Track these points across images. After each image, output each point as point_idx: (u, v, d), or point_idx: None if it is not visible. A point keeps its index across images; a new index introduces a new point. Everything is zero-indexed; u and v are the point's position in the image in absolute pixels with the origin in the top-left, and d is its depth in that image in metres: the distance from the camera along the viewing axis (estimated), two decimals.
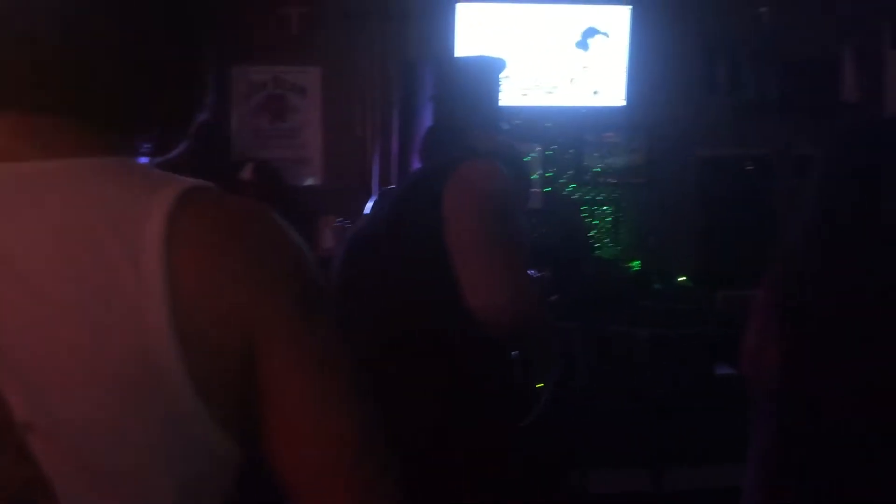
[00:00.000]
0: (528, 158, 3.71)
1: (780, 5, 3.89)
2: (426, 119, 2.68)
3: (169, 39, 0.76)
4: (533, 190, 3.72)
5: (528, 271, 1.70)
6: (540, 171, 3.90)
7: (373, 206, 1.87)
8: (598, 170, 3.98)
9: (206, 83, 0.80)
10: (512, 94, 3.66)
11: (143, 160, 0.80)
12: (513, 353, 1.76)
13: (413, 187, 1.74)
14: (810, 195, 1.55)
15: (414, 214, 1.66)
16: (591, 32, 3.83)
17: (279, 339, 0.70)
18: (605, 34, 3.82)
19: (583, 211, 4.00)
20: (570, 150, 3.97)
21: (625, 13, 3.81)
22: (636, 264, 3.91)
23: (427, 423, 1.59)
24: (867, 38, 4.00)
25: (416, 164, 2.03)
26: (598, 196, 4.01)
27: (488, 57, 2.83)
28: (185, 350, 0.65)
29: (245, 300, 0.69)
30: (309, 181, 3.86)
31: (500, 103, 2.19)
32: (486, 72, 2.32)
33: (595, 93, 3.87)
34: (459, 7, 3.73)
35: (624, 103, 3.87)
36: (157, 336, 0.65)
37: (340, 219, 3.23)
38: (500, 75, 2.28)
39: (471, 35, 3.70)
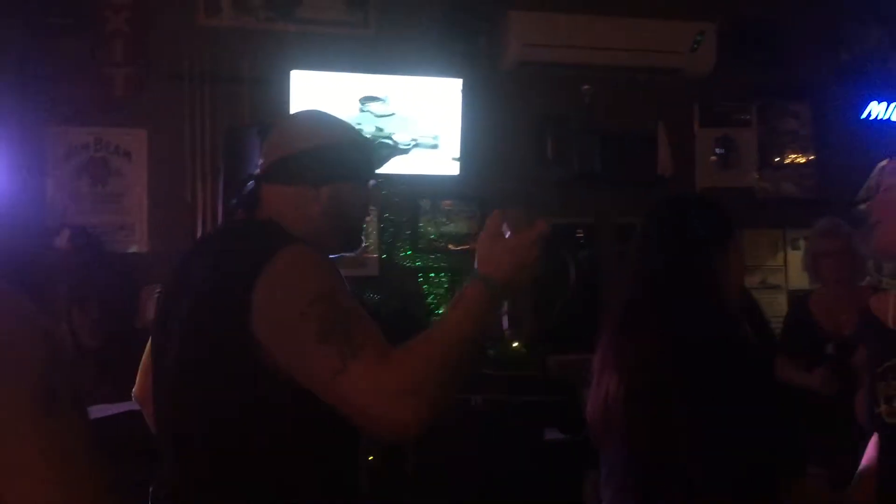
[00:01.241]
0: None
1: (602, 84, 4.13)
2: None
3: None
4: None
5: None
6: (375, 239, 3.90)
7: (181, 267, 1.53)
8: (434, 237, 4.03)
9: None
10: None
11: None
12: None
13: (217, 276, 1.41)
14: (632, 258, 1.68)
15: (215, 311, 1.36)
16: (424, 103, 3.91)
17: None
18: (441, 103, 3.91)
19: (419, 277, 4.02)
20: (405, 218, 4.00)
21: (457, 86, 3.93)
22: None
23: None
24: (680, 116, 4.32)
25: None
26: (434, 263, 4.05)
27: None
28: None
29: None
30: (132, 248, 3.66)
31: None
32: None
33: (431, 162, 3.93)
34: (294, 74, 3.71)
35: (458, 173, 3.96)
36: None
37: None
38: None
39: (305, 103, 3.69)
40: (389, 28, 3.95)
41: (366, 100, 3.84)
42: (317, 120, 1.62)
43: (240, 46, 3.74)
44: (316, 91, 3.72)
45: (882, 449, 1.66)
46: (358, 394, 1.22)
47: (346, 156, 1.55)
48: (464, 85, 3.93)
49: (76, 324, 3.25)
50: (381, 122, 3.85)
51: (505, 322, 1.58)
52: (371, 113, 3.85)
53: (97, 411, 2.65)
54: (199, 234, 3.55)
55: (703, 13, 4.16)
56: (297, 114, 1.67)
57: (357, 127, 1.76)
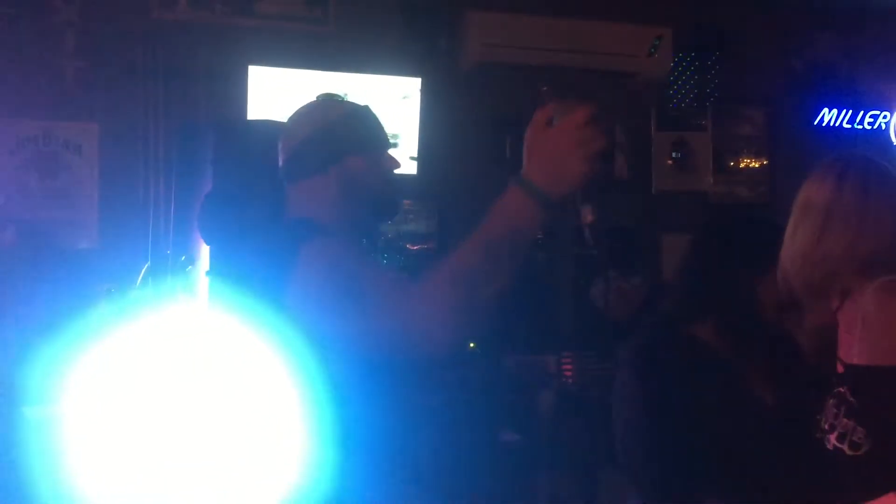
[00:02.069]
0: None
1: (560, 86, 4.14)
2: (206, 184, 2.57)
3: None
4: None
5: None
6: None
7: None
8: (392, 236, 4.01)
9: None
10: None
11: None
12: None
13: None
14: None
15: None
16: (383, 101, 3.88)
17: None
18: (400, 101, 3.89)
19: None
20: None
21: (416, 85, 3.91)
22: None
23: None
24: (637, 120, 4.35)
25: (198, 233, 1.91)
26: (392, 262, 4.02)
27: (275, 122, 2.78)
28: None
29: None
30: (83, 245, 3.58)
31: None
32: (271, 137, 2.24)
33: None
34: (252, 70, 3.66)
35: (415, 172, 3.94)
36: None
37: (113, 285, 3.01)
38: None
39: (264, 99, 3.64)
40: (349, 25, 3.91)
41: (324, 97, 3.79)
42: (311, 107, 1.62)
43: (196, 41, 3.68)
44: (274, 87, 3.67)
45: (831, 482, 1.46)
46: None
47: (344, 132, 1.54)
48: (423, 84, 3.92)
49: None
50: None
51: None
52: None
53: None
54: (150, 230, 3.49)
55: (660, 18, 4.20)
56: (298, 108, 1.65)
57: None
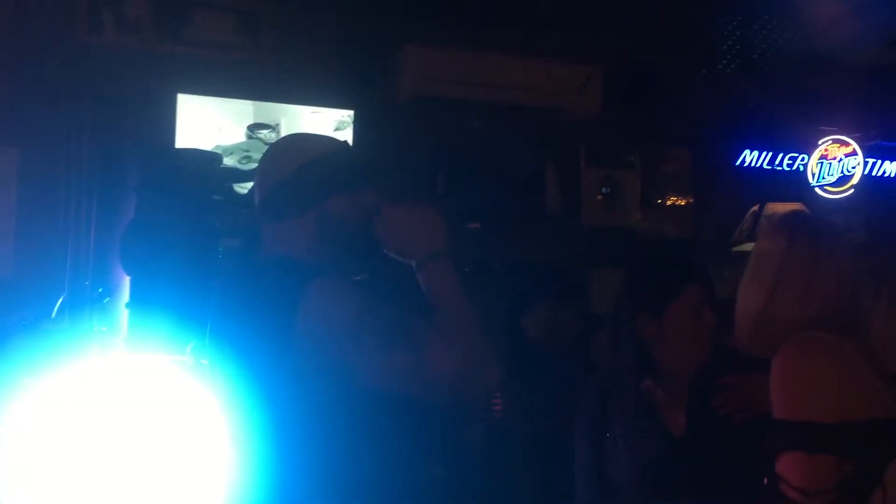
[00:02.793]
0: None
1: (494, 121, 4.19)
2: (130, 212, 2.50)
3: None
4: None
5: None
6: None
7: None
8: None
9: None
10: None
11: None
12: None
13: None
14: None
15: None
16: (316, 132, 3.86)
17: None
18: (333, 133, 3.87)
19: None
20: None
21: (350, 116, 3.90)
22: None
23: None
24: (568, 156, 4.42)
25: (120, 263, 1.84)
26: None
27: (201, 150, 2.74)
28: None
29: None
30: None
31: (216, 198, 2.06)
32: (197, 165, 2.20)
33: None
34: (181, 98, 3.60)
35: None
36: None
37: (28, 317, 2.89)
38: (215, 170, 2.16)
39: (193, 128, 3.58)
40: (283, 55, 3.89)
41: (255, 127, 3.76)
42: (288, 144, 1.56)
43: (124, 66, 3.60)
44: (203, 116, 3.61)
45: None
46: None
47: (324, 171, 1.47)
48: (357, 116, 3.91)
49: None
50: None
51: None
52: (261, 140, 3.77)
53: None
54: (69, 259, 3.37)
55: (591, 57, 4.29)
56: (274, 143, 1.58)
57: (245, 154, 1.69)
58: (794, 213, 1.67)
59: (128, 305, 2.64)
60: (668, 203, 4.65)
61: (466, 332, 1.39)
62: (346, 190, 1.48)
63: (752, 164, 4.75)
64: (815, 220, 1.63)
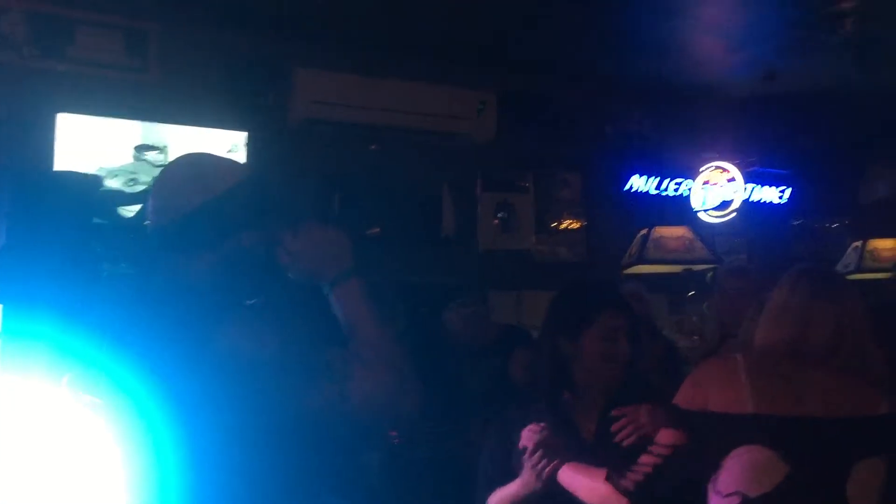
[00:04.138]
0: None
1: (390, 145, 4.18)
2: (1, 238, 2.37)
3: None
4: None
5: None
6: None
7: None
8: None
9: None
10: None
11: None
12: None
13: None
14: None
15: None
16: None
17: None
18: (225, 155, 3.77)
19: None
20: None
21: (241, 139, 3.82)
22: None
23: None
24: (464, 180, 4.46)
25: None
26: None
27: (78, 172, 2.62)
28: None
29: None
30: None
31: (98, 221, 1.96)
32: (74, 188, 2.09)
33: None
34: (61, 117, 3.44)
35: None
36: None
37: None
38: (96, 193, 2.06)
39: (73, 149, 3.42)
40: (171, 74, 3.78)
41: (142, 148, 3.63)
42: (190, 174, 1.42)
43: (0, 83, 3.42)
44: (86, 136, 3.46)
45: None
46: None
47: (232, 208, 1.37)
48: (249, 138, 3.83)
49: None
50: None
51: None
52: (148, 162, 3.64)
53: None
54: None
55: (486, 83, 4.36)
56: (174, 164, 1.46)
57: (132, 176, 1.57)
58: (805, 265, 1.91)
59: (1, 334, 2.49)
60: (562, 227, 4.75)
61: (385, 354, 1.38)
62: (258, 226, 1.41)
63: (640, 190, 4.91)
64: (820, 271, 1.89)
